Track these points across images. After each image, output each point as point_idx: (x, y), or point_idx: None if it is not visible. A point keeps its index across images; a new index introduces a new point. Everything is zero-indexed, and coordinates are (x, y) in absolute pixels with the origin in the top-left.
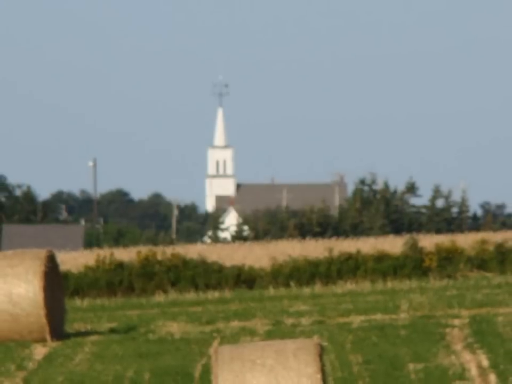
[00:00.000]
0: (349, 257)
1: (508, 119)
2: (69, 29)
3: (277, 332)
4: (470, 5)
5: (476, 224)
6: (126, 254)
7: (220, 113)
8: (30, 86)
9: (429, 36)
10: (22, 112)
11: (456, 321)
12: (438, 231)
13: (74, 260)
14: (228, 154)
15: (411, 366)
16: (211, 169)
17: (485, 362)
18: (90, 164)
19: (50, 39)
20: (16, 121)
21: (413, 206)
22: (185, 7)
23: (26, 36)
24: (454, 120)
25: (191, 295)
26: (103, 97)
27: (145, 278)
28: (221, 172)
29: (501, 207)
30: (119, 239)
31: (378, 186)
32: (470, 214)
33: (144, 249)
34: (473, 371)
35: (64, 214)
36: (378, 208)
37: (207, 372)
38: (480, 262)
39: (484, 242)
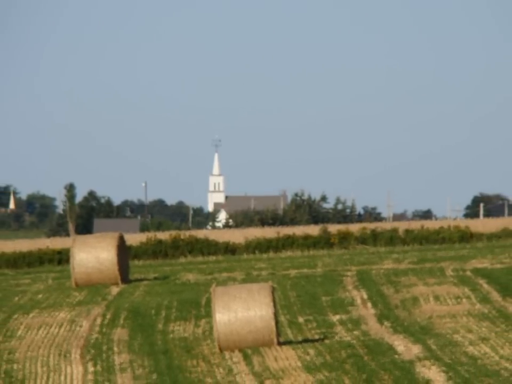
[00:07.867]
0: (288, 237)
1: (378, 157)
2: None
3: (248, 279)
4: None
5: (360, 218)
6: (163, 235)
7: (216, 156)
8: (108, 136)
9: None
10: (99, 156)
11: (349, 273)
12: (339, 222)
13: (134, 239)
14: (220, 179)
15: (323, 298)
16: (211, 187)
17: (365, 296)
18: (143, 184)
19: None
20: (100, 158)
21: (325, 208)
22: (196, 86)
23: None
24: (346, 156)
25: (200, 258)
26: (152, 146)
27: (174, 249)
28: (216, 189)
29: (374, 208)
30: (159, 227)
31: (305, 197)
32: (357, 212)
33: (174, 233)
34: (358, 301)
35: (128, 213)
36: (305, 210)
37: (208, 301)
38: (362, 240)
39: (364, 228)
